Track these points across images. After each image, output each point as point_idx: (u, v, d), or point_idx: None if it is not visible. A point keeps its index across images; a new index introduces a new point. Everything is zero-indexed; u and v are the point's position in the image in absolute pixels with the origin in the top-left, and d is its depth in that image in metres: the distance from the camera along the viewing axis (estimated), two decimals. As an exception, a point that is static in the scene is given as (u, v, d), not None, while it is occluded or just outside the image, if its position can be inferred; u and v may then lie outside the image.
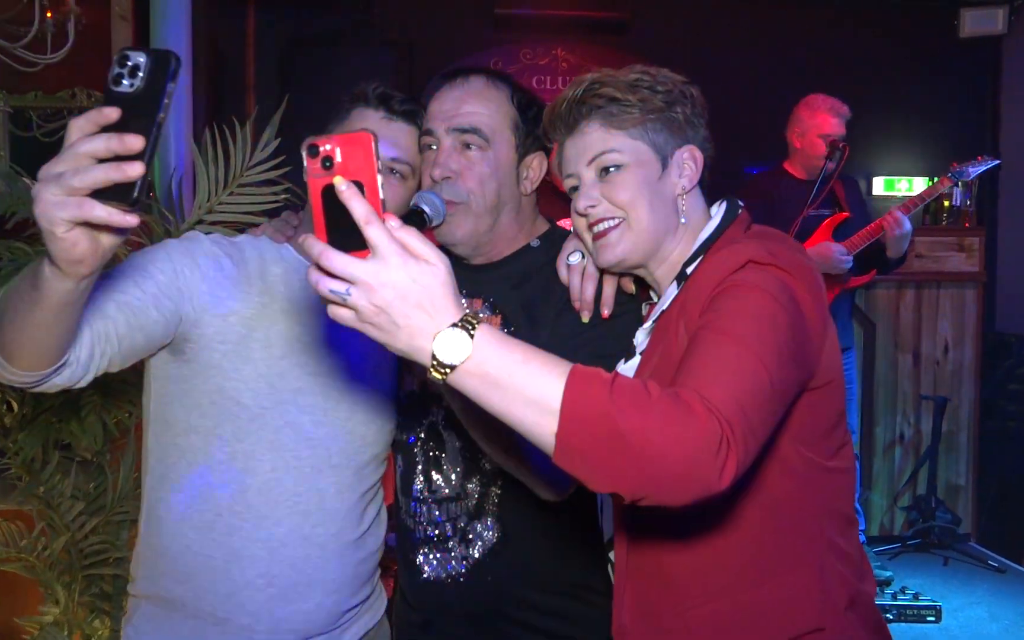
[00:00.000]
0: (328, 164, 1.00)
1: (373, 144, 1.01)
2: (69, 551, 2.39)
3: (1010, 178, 5.53)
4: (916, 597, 3.97)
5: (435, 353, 1.00)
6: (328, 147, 1.00)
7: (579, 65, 6.31)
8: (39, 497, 2.39)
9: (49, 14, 4.05)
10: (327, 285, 0.99)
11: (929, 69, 5.64)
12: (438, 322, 1.00)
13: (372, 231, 0.98)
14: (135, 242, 2.49)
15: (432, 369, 1.01)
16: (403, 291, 0.98)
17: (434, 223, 1.57)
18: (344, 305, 1.00)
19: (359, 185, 1.00)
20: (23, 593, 2.61)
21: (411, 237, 1.00)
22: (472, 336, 1.00)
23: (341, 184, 0.98)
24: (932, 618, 3.88)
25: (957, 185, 4.32)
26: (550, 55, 5.88)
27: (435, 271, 1.00)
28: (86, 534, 2.41)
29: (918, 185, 5.61)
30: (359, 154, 1.00)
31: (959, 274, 4.92)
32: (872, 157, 5.63)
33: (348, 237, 0.99)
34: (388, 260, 0.98)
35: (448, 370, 1.00)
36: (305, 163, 1.01)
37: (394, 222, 1.00)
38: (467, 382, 1.02)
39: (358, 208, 0.98)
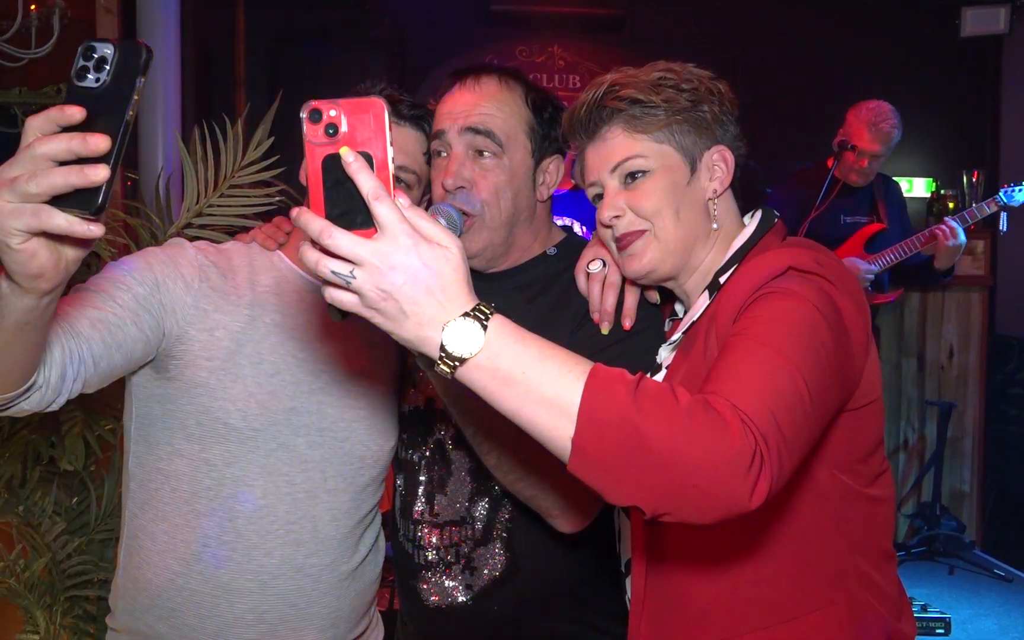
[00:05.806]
0: (333, 131, 0.92)
1: (386, 113, 0.92)
2: (51, 572, 2.28)
3: (1012, 178, 5.46)
4: (925, 609, 3.87)
5: (444, 344, 0.93)
6: (334, 113, 0.92)
7: (575, 63, 6.22)
8: (19, 515, 2.27)
9: (33, 8, 3.95)
10: (329, 266, 0.91)
11: (930, 69, 5.57)
12: (449, 311, 0.93)
13: (382, 208, 0.90)
14: (122, 245, 2.38)
15: (440, 361, 0.94)
16: (413, 275, 0.91)
17: None
18: (347, 289, 0.92)
19: (367, 157, 0.91)
20: (1, 617, 2.48)
21: (421, 219, 0.93)
22: (485, 327, 0.93)
23: (348, 155, 0.90)
24: (942, 630, 3.79)
25: (1004, 210, 4.13)
26: (546, 53, 5.79)
27: (448, 255, 0.93)
28: (69, 554, 2.29)
29: (918, 186, 5.55)
30: (369, 123, 0.92)
31: (965, 278, 4.83)
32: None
33: (349, 214, 0.91)
34: (398, 241, 0.91)
35: (457, 363, 0.94)
36: (304, 129, 0.92)
37: (404, 200, 0.93)
38: (477, 377, 0.95)
39: (366, 182, 0.90)
